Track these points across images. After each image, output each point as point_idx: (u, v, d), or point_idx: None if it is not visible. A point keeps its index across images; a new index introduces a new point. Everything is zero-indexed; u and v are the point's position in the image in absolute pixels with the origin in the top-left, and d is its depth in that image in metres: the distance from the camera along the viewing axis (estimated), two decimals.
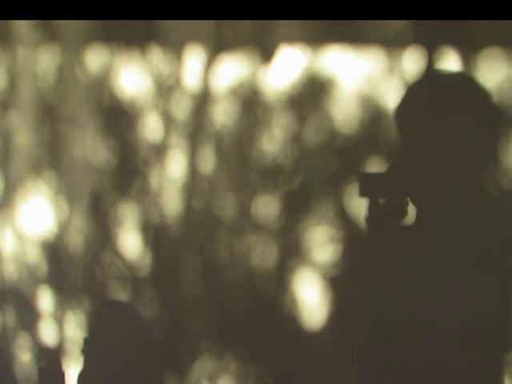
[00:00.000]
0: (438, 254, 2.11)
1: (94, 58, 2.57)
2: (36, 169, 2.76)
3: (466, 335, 2.11)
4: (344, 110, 2.22)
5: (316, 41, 2.27)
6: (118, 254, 2.65)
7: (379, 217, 2.15)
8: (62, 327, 2.81)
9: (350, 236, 2.24)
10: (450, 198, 2.09)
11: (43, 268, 2.82)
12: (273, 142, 2.33)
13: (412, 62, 2.15)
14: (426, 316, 2.15)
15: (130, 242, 2.61)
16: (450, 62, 2.11)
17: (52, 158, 2.72)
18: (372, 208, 2.13)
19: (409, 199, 2.09)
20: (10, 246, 2.88)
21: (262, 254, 2.40)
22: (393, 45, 2.21)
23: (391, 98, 2.15)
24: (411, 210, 2.13)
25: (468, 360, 2.11)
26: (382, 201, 2.15)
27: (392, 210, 2.11)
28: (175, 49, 2.45)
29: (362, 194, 2.15)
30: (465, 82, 2.05)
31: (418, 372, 2.18)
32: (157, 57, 2.48)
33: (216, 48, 2.41)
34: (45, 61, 2.63)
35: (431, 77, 2.11)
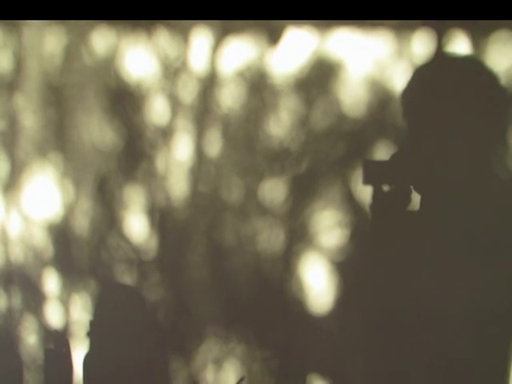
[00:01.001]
0: (444, 239, 2.10)
1: (101, 40, 2.56)
2: (42, 151, 2.76)
3: (471, 320, 2.10)
4: (352, 93, 2.21)
5: (324, 23, 2.25)
6: (124, 237, 2.64)
7: (383, 204, 2.14)
8: (67, 310, 2.82)
9: (357, 220, 2.23)
10: (456, 183, 2.07)
11: (49, 250, 2.82)
12: (280, 125, 2.32)
13: (421, 45, 2.13)
14: (431, 301, 2.14)
15: (136, 225, 2.61)
16: (460, 45, 2.09)
17: (58, 140, 2.72)
18: (376, 196, 2.13)
19: (413, 187, 2.08)
20: (16, 228, 2.88)
21: (269, 238, 2.39)
22: (402, 27, 2.19)
23: (399, 81, 2.13)
24: (417, 196, 2.12)
25: (473, 345, 2.10)
26: (386, 188, 2.15)
27: (396, 198, 2.10)
28: (182, 31, 2.44)
29: (366, 181, 2.14)
30: (473, 66, 2.04)
31: (423, 357, 2.18)
32: (164, 39, 2.47)
33: (223, 30, 2.39)
34: (51, 42, 2.62)
35: (439, 60, 2.09)
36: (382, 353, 2.27)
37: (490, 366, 2.06)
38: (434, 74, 2.09)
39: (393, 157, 2.11)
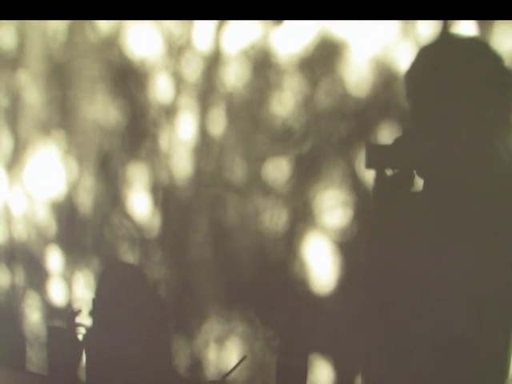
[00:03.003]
0: (447, 221, 2.10)
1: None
2: (45, 128, 2.76)
3: (472, 300, 2.11)
4: (356, 73, 2.20)
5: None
6: (127, 216, 2.65)
7: (386, 188, 2.14)
8: (70, 287, 2.83)
9: (360, 201, 2.23)
10: (459, 165, 2.07)
11: (52, 228, 2.83)
12: (283, 104, 2.31)
13: (426, 26, 2.12)
14: (433, 281, 2.15)
15: (139, 204, 2.61)
16: (464, 26, 2.07)
17: (61, 117, 2.72)
18: (379, 179, 2.12)
19: (416, 170, 2.08)
20: (19, 205, 2.89)
21: (271, 217, 2.39)
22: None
23: (404, 61, 2.12)
24: (419, 179, 2.12)
25: (473, 325, 2.11)
26: (388, 172, 2.14)
27: (398, 182, 2.10)
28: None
29: (369, 165, 2.14)
30: (478, 47, 2.03)
31: (424, 336, 2.19)
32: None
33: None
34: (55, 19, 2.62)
35: (444, 41, 2.08)
36: (384, 332, 2.28)
37: (490, 345, 2.07)
38: (438, 55, 2.08)
39: (396, 141, 2.11)
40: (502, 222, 2.04)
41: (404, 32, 2.16)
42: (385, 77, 2.17)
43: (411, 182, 2.14)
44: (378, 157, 2.16)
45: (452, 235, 2.10)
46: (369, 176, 2.20)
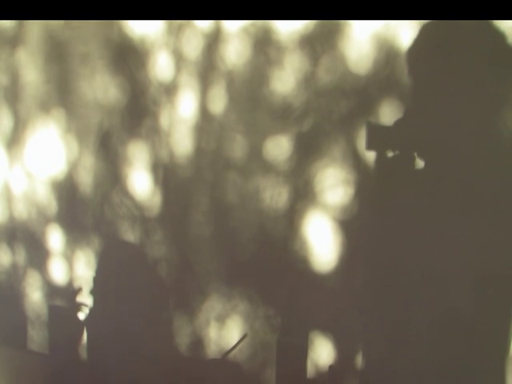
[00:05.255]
0: (448, 197, 2.10)
1: None
2: (45, 107, 2.75)
3: (472, 275, 2.11)
4: (357, 50, 2.19)
5: None
6: (127, 194, 2.64)
7: (387, 167, 2.14)
8: (71, 266, 2.83)
9: (361, 178, 2.23)
10: (461, 142, 2.06)
11: (53, 207, 2.83)
12: (284, 82, 2.30)
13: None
14: (433, 258, 2.15)
15: (140, 182, 2.61)
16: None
17: (61, 96, 2.71)
18: (379, 160, 2.12)
19: (416, 149, 2.07)
20: (19, 184, 2.88)
21: (272, 195, 2.39)
22: None
23: (405, 38, 2.11)
24: (420, 158, 2.11)
25: (473, 300, 2.11)
26: (389, 153, 2.14)
27: (399, 161, 2.09)
28: None
29: (369, 146, 2.13)
30: (479, 25, 2.01)
31: (425, 313, 2.19)
32: None
33: None
34: None
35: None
36: (384, 310, 2.28)
37: (490, 321, 2.07)
38: (440, 33, 2.07)
39: (396, 121, 2.10)
40: (501, 201, 2.04)
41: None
42: (386, 54, 2.16)
43: (412, 161, 2.13)
44: (378, 138, 2.16)
45: (452, 213, 2.09)
46: (369, 154, 2.19)
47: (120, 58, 2.56)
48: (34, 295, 2.96)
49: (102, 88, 2.61)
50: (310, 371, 2.43)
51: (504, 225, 2.04)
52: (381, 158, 2.17)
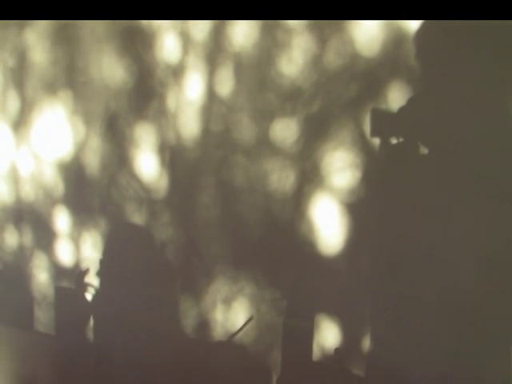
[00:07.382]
0: (455, 184, 2.10)
1: None
2: (52, 88, 2.75)
3: (478, 261, 2.11)
4: (365, 32, 2.18)
5: None
6: (134, 176, 2.64)
7: (394, 151, 2.13)
8: (78, 248, 2.84)
9: (368, 162, 2.22)
10: (469, 125, 2.06)
11: (59, 189, 2.83)
12: (292, 64, 2.29)
13: None
14: (440, 243, 2.15)
15: (147, 164, 2.61)
16: None
17: (68, 78, 2.70)
18: (386, 145, 2.11)
19: (423, 133, 2.07)
20: (26, 166, 2.88)
21: (279, 178, 2.38)
22: None
23: (414, 21, 2.10)
24: (426, 144, 2.11)
25: (477, 286, 2.11)
26: (393, 140, 2.13)
27: (403, 150, 2.09)
28: None
29: (374, 133, 2.13)
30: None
31: (430, 297, 2.19)
32: None
33: None
34: None
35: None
36: (390, 292, 2.29)
37: (496, 302, 2.07)
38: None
39: (402, 107, 2.10)
40: (507, 186, 2.04)
41: None
42: (394, 36, 2.15)
43: (419, 146, 2.13)
44: (384, 123, 2.15)
45: (458, 197, 2.09)
46: (377, 138, 2.18)
47: (127, 39, 2.55)
48: (41, 276, 2.97)
49: (109, 70, 2.61)
50: (316, 354, 2.43)
51: (509, 209, 2.03)
52: (387, 142, 2.17)
